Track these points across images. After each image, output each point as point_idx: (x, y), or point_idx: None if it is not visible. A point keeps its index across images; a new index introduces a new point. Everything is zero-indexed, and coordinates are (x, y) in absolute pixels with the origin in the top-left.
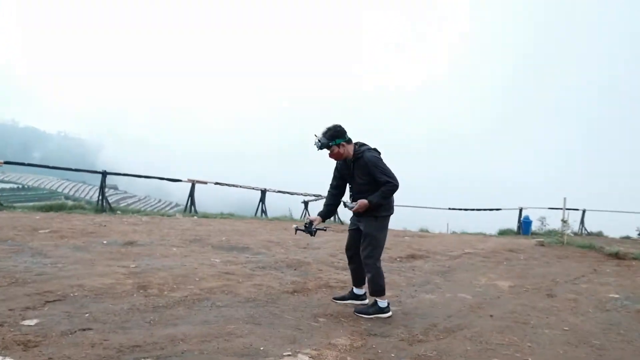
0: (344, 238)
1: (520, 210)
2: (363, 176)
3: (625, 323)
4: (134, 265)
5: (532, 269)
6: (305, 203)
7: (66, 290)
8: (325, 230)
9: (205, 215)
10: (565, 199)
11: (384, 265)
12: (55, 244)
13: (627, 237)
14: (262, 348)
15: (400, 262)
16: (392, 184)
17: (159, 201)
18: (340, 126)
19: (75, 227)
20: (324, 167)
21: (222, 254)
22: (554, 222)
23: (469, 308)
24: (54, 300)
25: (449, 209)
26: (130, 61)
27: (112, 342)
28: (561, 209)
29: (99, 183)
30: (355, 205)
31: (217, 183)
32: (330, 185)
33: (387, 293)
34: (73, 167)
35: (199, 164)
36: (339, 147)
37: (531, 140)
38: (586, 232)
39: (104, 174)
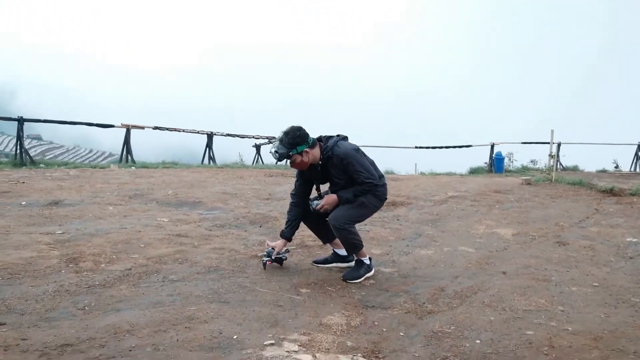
0: None
1: (492, 146)
2: (341, 175)
3: None
4: (60, 232)
5: (529, 212)
6: (257, 147)
7: None
8: (288, 252)
9: (145, 166)
10: (552, 131)
11: None
12: None
13: (604, 171)
14: (235, 337)
15: (381, 211)
16: (370, 184)
17: (90, 151)
18: (300, 129)
19: None
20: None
21: (171, 211)
22: (521, 158)
23: (476, 264)
24: None
25: (416, 147)
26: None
27: (34, 341)
28: (534, 143)
29: (68, 142)
30: (321, 202)
31: (156, 127)
32: (292, 194)
33: (376, 250)
34: None
35: (126, 115)
36: (302, 155)
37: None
38: (562, 167)
39: (21, 120)
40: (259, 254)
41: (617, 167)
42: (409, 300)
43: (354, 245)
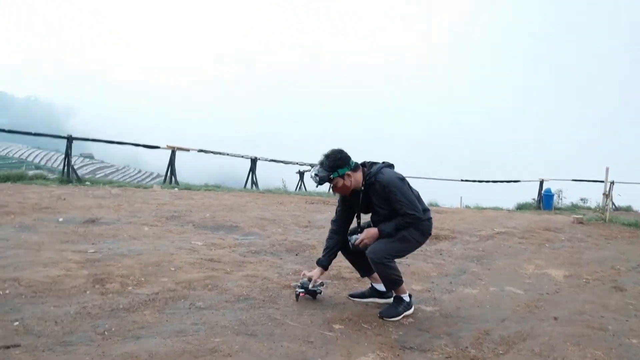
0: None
1: (541, 182)
2: (383, 204)
3: None
4: (92, 250)
5: (582, 253)
6: (301, 173)
7: None
8: (323, 285)
9: (188, 187)
10: (607, 169)
11: None
12: None
13: None
14: None
15: (425, 245)
16: (412, 216)
17: (139, 172)
18: (341, 151)
19: (27, 200)
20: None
21: (206, 234)
22: (571, 196)
23: (524, 307)
24: None
25: (462, 180)
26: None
27: None
28: (585, 181)
29: (75, 152)
30: (360, 236)
31: (200, 150)
32: (332, 221)
33: (417, 286)
34: (34, 132)
35: (181, 136)
36: (343, 179)
37: (549, 110)
38: (614, 206)
39: (70, 139)
40: (292, 284)
41: None
42: (451, 343)
43: (393, 281)
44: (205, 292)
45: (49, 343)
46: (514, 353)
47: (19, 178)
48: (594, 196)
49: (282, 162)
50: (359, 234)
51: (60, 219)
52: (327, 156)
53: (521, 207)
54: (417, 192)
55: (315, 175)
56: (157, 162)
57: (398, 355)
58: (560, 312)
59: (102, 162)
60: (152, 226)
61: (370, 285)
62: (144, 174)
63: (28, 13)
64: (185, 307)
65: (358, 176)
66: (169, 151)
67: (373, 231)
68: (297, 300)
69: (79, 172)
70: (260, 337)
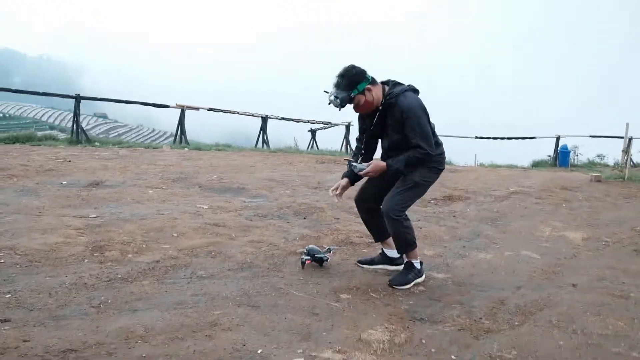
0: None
1: (558, 138)
2: (398, 129)
3: None
4: (94, 215)
5: (600, 213)
6: (313, 132)
7: None
8: (331, 252)
9: (198, 147)
10: (627, 124)
11: (415, 209)
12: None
13: None
14: (259, 351)
15: (436, 206)
16: (423, 152)
17: (152, 131)
18: (354, 66)
19: (31, 163)
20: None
21: (212, 197)
22: (588, 152)
23: (541, 273)
24: None
25: (476, 137)
26: None
27: (35, 343)
28: (603, 137)
29: (89, 111)
30: (366, 167)
31: (210, 109)
32: (357, 139)
33: (429, 251)
34: (42, 92)
35: (195, 97)
36: (364, 95)
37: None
38: (632, 163)
39: (77, 98)
40: (298, 250)
41: None
42: (464, 313)
43: (407, 243)
44: (208, 259)
45: (41, 317)
46: (530, 324)
47: (28, 139)
48: (611, 153)
49: (293, 120)
50: (364, 165)
51: (64, 182)
52: (341, 75)
53: (537, 165)
54: (433, 125)
55: (335, 98)
56: (170, 121)
57: (408, 327)
58: (579, 279)
59: (116, 121)
60: (157, 189)
61: (380, 251)
62: (157, 133)
63: None
64: (186, 277)
65: (378, 91)
66: (179, 110)
67: (380, 165)
68: (302, 268)
69: (93, 132)
70: (263, 308)
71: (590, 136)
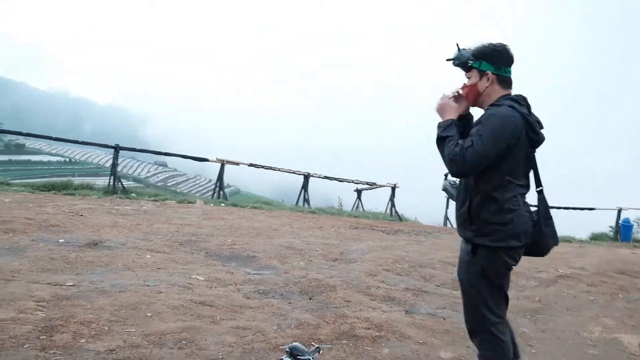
0: (398, 244)
1: (619, 210)
2: None
3: None
4: (70, 283)
5: None
6: (359, 192)
7: None
8: (319, 352)
9: (234, 204)
10: None
11: (444, 292)
12: None
13: None
14: None
15: None
16: (459, 154)
17: (209, 181)
18: (505, 48)
19: (39, 216)
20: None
21: (214, 266)
22: None
23: None
24: None
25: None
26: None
27: None
28: None
29: (150, 159)
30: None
31: (251, 164)
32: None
33: (446, 354)
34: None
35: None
36: (480, 77)
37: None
38: None
39: (117, 148)
40: (281, 347)
41: None
42: None
43: None
44: (174, 351)
45: None
46: None
47: (65, 187)
48: None
49: (336, 179)
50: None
51: (61, 240)
52: (484, 45)
53: (596, 238)
54: (537, 170)
55: (459, 50)
56: (229, 172)
57: None
58: None
59: (175, 170)
60: (158, 253)
61: None
62: (212, 184)
63: (111, 25)
64: None
65: (496, 92)
66: (219, 164)
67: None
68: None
69: (152, 179)
70: None
71: None
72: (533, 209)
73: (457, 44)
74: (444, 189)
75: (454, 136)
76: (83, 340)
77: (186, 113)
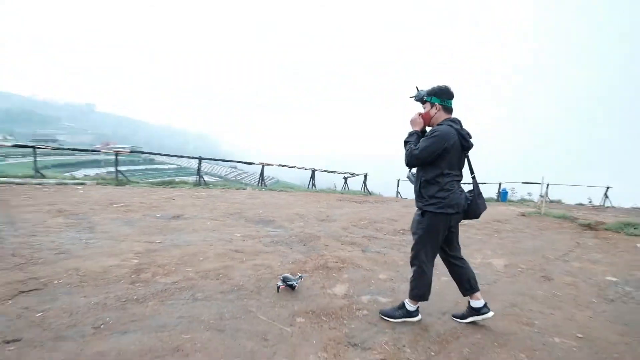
0: (364, 209)
1: (500, 184)
2: None
3: None
4: (158, 241)
5: (521, 242)
6: (345, 179)
7: (56, 276)
8: (302, 278)
9: (271, 189)
10: (543, 177)
11: (387, 238)
12: (115, 217)
13: (580, 204)
14: None
15: (403, 235)
16: (410, 154)
17: (271, 179)
18: (448, 88)
19: (147, 200)
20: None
21: (248, 227)
22: (520, 191)
23: (465, 299)
24: (29, 290)
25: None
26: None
27: None
28: (531, 183)
29: (226, 165)
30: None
31: (280, 165)
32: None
33: (383, 275)
34: (172, 154)
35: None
36: (431, 107)
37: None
38: (549, 199)
39: (200, 159)
40: (278, 275)
41: (590, 202)
42: (391, 340)
43: (415, 295)
44: (212, 281)
45: (45, 338)
46: (444, 355)
47: (170, 183)
48: (536, 192)
49: (331, 172)
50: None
51: (158, 215)
52: (437, 85)
53: (487, 200)
54: (470, 164)
55: (419, 91)
56: (273, 172)
57: (338, 354)
58: (494, 305)
59: (242, 170)
60: (215, 220)
61: (467, 304)
62: (266, 178)
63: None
64: (186, 298)
65: (441, 116)
66: (260, 166)
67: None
68: (277, 291)
69: (229, 176)
70: (227, 332)
71: (522, 182)
72: (469, 188)
73: (417, 87)
74: (407, 177)
75: (412, 142)
76: (158, 277)
77: (248, 136)
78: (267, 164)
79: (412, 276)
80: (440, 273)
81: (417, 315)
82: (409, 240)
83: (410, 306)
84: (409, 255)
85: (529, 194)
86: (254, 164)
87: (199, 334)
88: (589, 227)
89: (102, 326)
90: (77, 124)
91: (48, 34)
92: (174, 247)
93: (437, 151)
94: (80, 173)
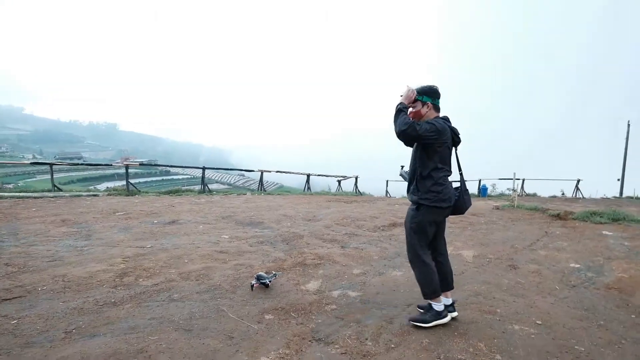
0: (350, 209)
1: (479, 180)
2: (416, 146)
3: (601, 307)
4: (149, 246)
5: (493, 234)
6: (339, 181)
7: (42, 283)
8: (275, 277)
9: (268, 193)
10: (515, 173)
11: (366, 234)
12: (113, 225)
13: (554, 196)
14: None
15: (382, 231)
16: (411, 124)
17: (267, 181)
18: (437, 88)
19: (147, 208)
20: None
21: (237, 229)
22: (501, 186)
23: None
24: (12, 298)
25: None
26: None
27: None
28: (509, 179)
29: (235, 173)
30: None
31: (278, 171)
32: None
33: (357, 270)
34: (180, 165)
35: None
36: (422, 106)
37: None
38: (525, 193)
39: (204, 168)
40: (253, 274)
41: (563, 194)
42: (355, 334)
43: (426, 292)
44: (191, 282)
45: (14, 344)
46: (404, 347)
47: (176, 191)
48: (517, 186)
49: (325, 175)
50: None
51: (155, 221)
52: (427, 85)
53: None
54: (456, 158)
55: (411, 89)
56: (275, 177)
57: (300, 350)
58: (459, 295)
59: (249, 178)
60: (207, 224)
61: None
62: (271, 184)
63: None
64: (162, 299)
65: (430, 115)
66: (266, 173)
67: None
68: (252, 290)
69: (237, 183)
70: (194, 332)
71: (499, 178)
72: (456, 184)
73: (407, 85)
74: (400, 175)
75: (407, 114)
76: (141, 280)
77: (257, 148)
78: (266, 171)
79: (417, 275)
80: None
81: (446, 315)
82: (386, 235)
83: (437, 305)
84: (386, 247)
85: (508, 189)
86: (253, 171)
87: (166, 335)
88: (558, 217)
89: (73, 330)
90: (101, 142)
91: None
92: (162, 250)
93: (433, 136)
94: (103, 186)
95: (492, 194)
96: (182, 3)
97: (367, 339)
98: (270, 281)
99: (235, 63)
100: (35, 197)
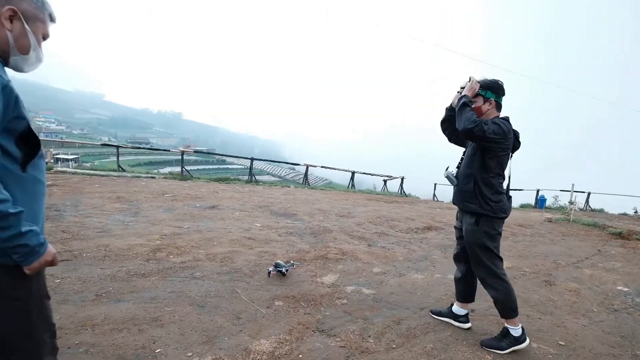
0: (387, 208)
1: (537, 190)
2: (473, 148)
3: None
4: (186, 226)
5: (535, 247)
6: (385, 181)
7: (88, 250)
8: (293, 266)
9: (312, 187)
10: (573, 185)
11: (398, 235)
12: (160, 205)
13: (624, 214)
14: (158, 350)
15: (415, 233)
16: (478, 122)
17: (316, 177)
18: (502, 84)
19: (196, 193)
20: None
21: (270, 219)
22: (564, 200)
23: (452, 297)
24: (60, 260)
25: None
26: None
27: None
28: (568, 191)
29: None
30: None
31: (323, 167)
32: None
33: (377, 269)
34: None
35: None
36: (484, 102)
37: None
38: (590, 208)
39: (252, 159)
40: (272, 262)
41: (636, 212)
42: (358, 330)
43: (508, 309)
44: (215, 263)
45: (53, 301)
46: (405, 349)
47: (225, 179)
48: (580, 199)
49: (370, 174)
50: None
51: (197, 205)
52: (489, 79)
53: (523, 206)
54: (509, 168)
55: (475, 81)
56: (322, 172)
57: (300, 338)
58: (480, 305)
59: (299, 172)
60: (243, 212)
61: (450, 305)
62: (320, 180)
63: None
64: (184, 276)
65: (493, 113)
66: (304, 167)
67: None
68: (268, 276)
69: (287, 177)
70: (206, 309)
71: (561, 190)
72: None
73: (470, 76)
74: (446, 177)
75: (472, 109)
76: (171, 256)
77: (308, 141)
78: (311, 165)
79: (495, 295)
80: (435, 270)
81: (525, 339)
82: (418, 238)
83: (514, 330)
84: (414, 249)
85: (571, 202)
86: (299, 165)
87: (180, 308)
88: (619, 235)
89: (103, 294)
90: (167, 129)
91: (147, 49)
92: (197, 232)
93: (499, 139)
94: (166, 170)
95: (553, 206)
96: (246, 5)
97: (369, 337)
98: (287, 270)
99: (296, 61)
100: (101, 175)
